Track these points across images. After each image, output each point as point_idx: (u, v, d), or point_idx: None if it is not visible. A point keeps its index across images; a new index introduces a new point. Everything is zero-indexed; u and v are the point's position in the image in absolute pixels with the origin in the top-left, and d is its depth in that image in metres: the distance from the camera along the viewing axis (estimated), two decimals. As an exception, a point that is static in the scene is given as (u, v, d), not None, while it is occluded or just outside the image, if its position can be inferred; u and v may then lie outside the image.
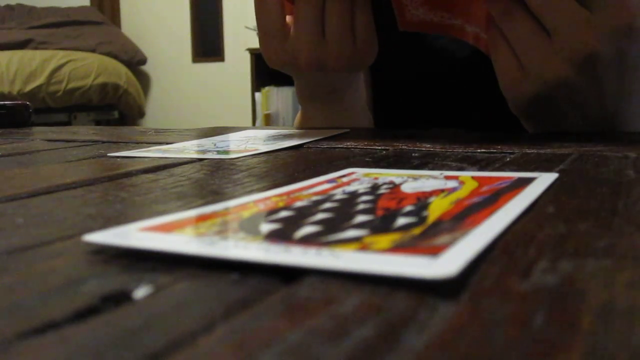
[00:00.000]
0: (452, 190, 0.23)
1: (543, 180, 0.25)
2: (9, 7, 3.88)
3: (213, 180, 0.29)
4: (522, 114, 0.49)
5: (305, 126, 0.63)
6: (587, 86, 0.43)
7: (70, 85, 3.45)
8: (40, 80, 3.35)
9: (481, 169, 0.30)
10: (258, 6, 0.53)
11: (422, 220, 0.19)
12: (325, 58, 0.52)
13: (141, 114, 3.95)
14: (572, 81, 0.43)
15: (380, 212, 0.20)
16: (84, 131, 0.62)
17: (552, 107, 0.45)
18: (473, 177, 0.26)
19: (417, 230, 0.17)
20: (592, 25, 0.41)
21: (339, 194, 0.23)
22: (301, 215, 0.20)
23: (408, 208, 0.20)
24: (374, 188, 0.24)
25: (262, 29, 0.53)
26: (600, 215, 0.20)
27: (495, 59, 0.46)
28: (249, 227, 0.18)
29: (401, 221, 0.19)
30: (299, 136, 0.47)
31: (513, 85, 0.46)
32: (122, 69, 3.76)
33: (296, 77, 0.59)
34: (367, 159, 0.35)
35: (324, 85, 0.58)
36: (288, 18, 0.53)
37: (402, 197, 0.22)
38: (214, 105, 3.98)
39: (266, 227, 0.18)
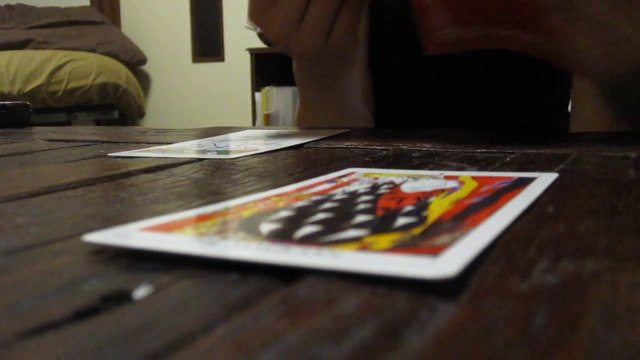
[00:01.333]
0: (452, 190, 0.23)
1: (543, 180, 0.25)
2: (9, 7, 3.88)
3: (213, 180, 0.29)
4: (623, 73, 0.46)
5: (303, 111, 0.64)
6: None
7: (70, 85, 3.45)
8: (40, 80, 3.35)
9: (481, 169, 0.30)
10: None
11: (422, 220, 0.19)
12: (291, 42, 0.52)
13: (141, 114, 3.95)
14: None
15: (380, 212, 0.20)
16: (84, 131, 0.62)
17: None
18: (473, 177, 0.26)
19: (417, 230, 0.17)
20: None
21: (339, 194, 0.23)
22: (301, 215, 0.20)
23: (408, 208, 0.20)
24: (374, 188, 0.24)
25: None
26: (600, 215, 0.20)
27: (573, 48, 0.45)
28: (249, 227, 0.18)
29: (401, 221, 0.19)
30: (299, 136, 0.47)
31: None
32: (122, 69, 3.75)
33: (294, 59, 0.60)
34: (367, 159, 0.35)
35: (316, 68, 0.59)
36: None
37: (402, 197, 0.22)
38: (214, 105, 3.98)
39: (266, 227, 0.18)
